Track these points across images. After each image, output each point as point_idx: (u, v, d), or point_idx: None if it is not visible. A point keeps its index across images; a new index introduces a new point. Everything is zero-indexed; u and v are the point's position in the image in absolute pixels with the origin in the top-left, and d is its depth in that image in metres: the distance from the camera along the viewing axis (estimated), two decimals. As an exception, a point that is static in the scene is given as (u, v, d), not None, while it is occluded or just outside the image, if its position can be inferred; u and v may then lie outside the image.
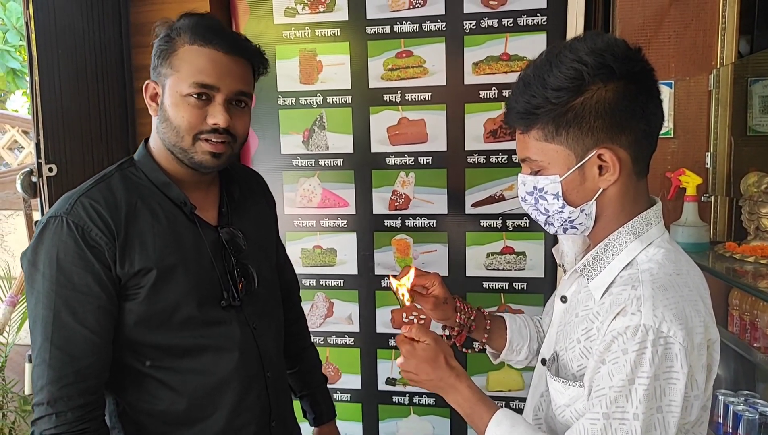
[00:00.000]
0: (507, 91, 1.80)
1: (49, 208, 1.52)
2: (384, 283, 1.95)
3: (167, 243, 1.01)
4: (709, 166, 1.62)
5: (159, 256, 1.00)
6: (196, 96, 0.97)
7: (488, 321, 1.17)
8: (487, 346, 1.20)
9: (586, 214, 0.88)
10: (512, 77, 1.79)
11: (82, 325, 0.94)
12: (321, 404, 1.38)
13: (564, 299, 0.98)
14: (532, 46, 1.77)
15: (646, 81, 0.84)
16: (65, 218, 0.94)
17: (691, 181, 1.53)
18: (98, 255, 0.95)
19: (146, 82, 1.03)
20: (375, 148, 1.91)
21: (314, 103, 1.92)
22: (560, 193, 0.86)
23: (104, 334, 0.97)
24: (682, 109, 1.61)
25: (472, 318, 1.15)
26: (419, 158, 1.89)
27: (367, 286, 1.96)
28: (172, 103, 0.98)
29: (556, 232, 0.93)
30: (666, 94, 1.60)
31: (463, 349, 1.20)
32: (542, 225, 0.93)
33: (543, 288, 1.85)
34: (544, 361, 1.00)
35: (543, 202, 0.88)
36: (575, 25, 1.66)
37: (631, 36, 1.60)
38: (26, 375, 1.73)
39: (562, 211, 0.87)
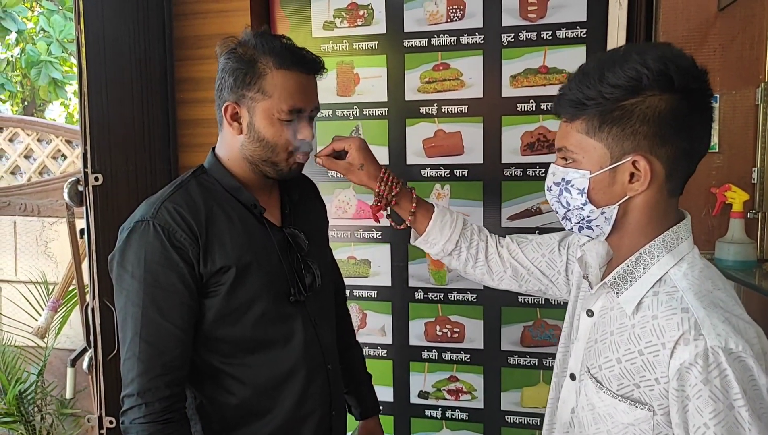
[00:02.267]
0: (545, 103, 1.79)
1: (95, 216, 1.57)
2: (417, 296, 1.94)
3: (242, 242, 1.09)
4: (755, 181, 1.57)
5: (237, 254, 1.07)
6: (289, 119, 1.07)
7: (414, 204, 1.23)
8: (412, 228, 1.27)
9: (605, 218, 0.88)
10: (550, 90, 1.78)
11: (168, 321, 1.01)
12: (367, 398, 1.45)
13: (590, 313, 0.96)
14: (571, 59, 1.75)
15: (702, 102, 0.83)
16: (152, 222, 1.03)
17: (737, 197, 1.48)
18: (183, 255, 1.02)
19: (225, 104, 1.11)
20: (411, 160, 1.91)
21: (350, 115, 1.93)
22: (586, 190, 0.86)
23: (187, 328, 1.04)
24: (728, 124, 1.57)
25: (393, 193, 1.21)
26: (455, 170, 1.88)
27: (400, 297, 1.96)
28: (268, 125, 1.08)
29: (571, 229, 0.93)
30: (711, 108, 1.57)
31: (390, 221, 1.37)
32: (560, 219, 0.94)
33: (580, 303, 1.82)
34: (573, 376, 0.99)
35: (566, 195, 0.89)
36: (616, 38, 1.64)
37: (674, 49, 1.58)
38: (68, 379, 1.77)
39: (582, 208, 0.88)
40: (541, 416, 1.87)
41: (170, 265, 1.02)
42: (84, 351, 1.72)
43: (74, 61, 7.33)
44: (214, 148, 1.21)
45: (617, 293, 0.88)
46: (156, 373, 1.01)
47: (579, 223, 0.90)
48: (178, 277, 1.02)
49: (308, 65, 1.09)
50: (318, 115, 1.97)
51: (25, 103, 7.93)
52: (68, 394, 1.75)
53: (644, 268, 0.86)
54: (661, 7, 1.57)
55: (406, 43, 1.87)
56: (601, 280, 0.95)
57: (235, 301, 1.08)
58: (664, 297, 0.83)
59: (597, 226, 0.89)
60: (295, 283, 1.15)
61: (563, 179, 0.89)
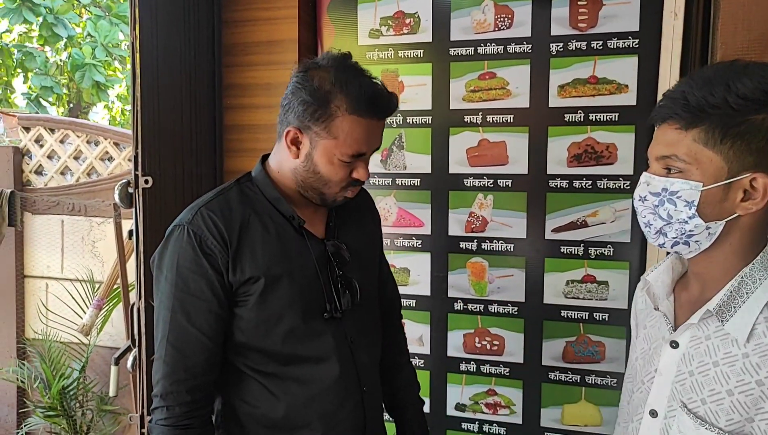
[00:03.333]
0: (594, 114, 1.75)
1: (143, 218, 1.60)
2: (457, 307, 1.92)
3: (275, 253, 1.07)
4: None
5: (267, 265, 1.06)
6: (349, 162, 1.06)
7: None
8: None
9: (709, 233, 0.83)
10: (599, 100, 1.74)
11: (194, 327, 1.02)
12: (412, 423, 1.35)
13: (675, 344, 0.90)
14: (623, 69, 1.71)
15: None
16: (186, 227, 1.04)
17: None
18: (212, 262, 1.02)
19: (288, 128, 1.08)
20: (453, 169, 1.90)
21: (394, 123, 1.93)
22: (696, 202, 0.82)
23: (214, 336, 1.04)
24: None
25: None
26: (498, 181, 1.86)
27: (439, 307, 1.94)
28: (327, 162, 1.06)
29: (662, 244, 0.88)
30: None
31: None
32: (651, 233, 0.89)
33: (626, 320, 1.77)
34: (654, 413, 0.93)
35: (669, 207, 0.84)
36: (671, 48, 1.60)
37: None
38: (111, 377, 1.80)
39: (687, 222, 0.83)
40: (583, 434, 1.84)
41: (200, 271, 1.02)
42: (128, 349, 1.75)
43: (117, 65, 7.58)
44: (264, 157, 1.20)
45: (722, 321, 0.84)
46: (179, 377, 1.01)
47: (677, 237, 0.86)
48: (207, 284, 1.02)
49: (381, 113, 1.06)
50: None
51: (71, 105, 8.21)
52: (111, 392, 1.79)
53: (747, 293, 0.82)
54: (720, 16, 1.52)
55: (452, 51, 1.86)
56: (692, 309, 0.90)
57: (265, 312, 1.06)
58: None
59: (696, 241, 0.85)
60: (332, 299, 1.11)
61: (665, 189, 0.84)
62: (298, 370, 1.08)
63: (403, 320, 1.94)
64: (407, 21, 1.90)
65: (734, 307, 0.83)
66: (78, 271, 3.23)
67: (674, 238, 0.86)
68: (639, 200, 0.88)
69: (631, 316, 1.13)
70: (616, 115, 1.73)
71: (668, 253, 0.96)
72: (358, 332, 1.15)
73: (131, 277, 1.63)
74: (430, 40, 1.88)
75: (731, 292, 0.83)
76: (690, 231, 0.84)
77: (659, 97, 0.90)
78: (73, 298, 3.11)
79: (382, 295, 1.34)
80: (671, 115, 0.83)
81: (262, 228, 1.08)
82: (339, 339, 1.11)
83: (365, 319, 1.19)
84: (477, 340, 1.92)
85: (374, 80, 1.08)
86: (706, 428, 0.82)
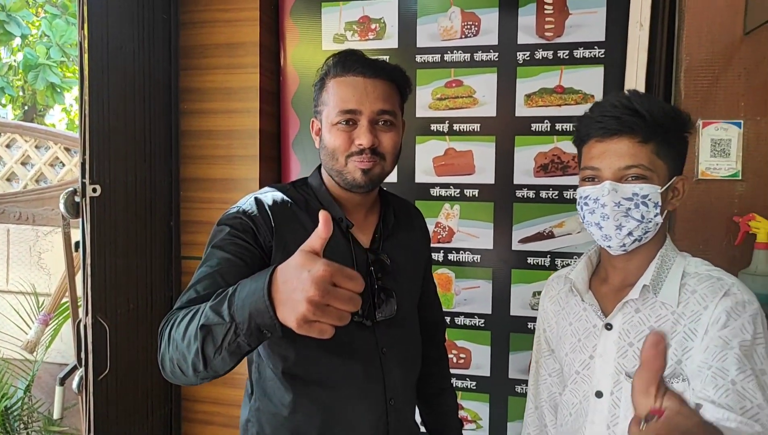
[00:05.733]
0: (560, 124, 1.73)
1: (91, 228, 1.50)
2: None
3: None
4: (780, 211, 1.52)
5: None
6: (344, 122, 1.06)
7: None
8: None
9: (657, 228, 0.99)
10: (566, 110, 1.73)
11: (233, 255, 0.99)
12: None
13: (610, 327, 1.03)
14: (589, 79, 1.71)
15: None
16: (243, 208, 1.06)
17: (762, 227, 1.42)
18: (260, 243, 1.03)
19: (312, 120, 1.16)
20: (420, 178, 1.86)
21: (359, 131, 1.87)
22: (659, 203, 0.96)
23: (249, 263, 1.00)
24: (752, 151, 1.51)
25: None
26: (465, 190, 1.83)
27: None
28: (327, 131, 1.09)
29: (624, 245, 0.99)
30: (735, 134, 1.51)
31: None
32: (620, 235, 0.99)
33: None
34: (600, 393, 1.04)
35: (642, 209, 0.96)
36: (636, 59, 1.59)
37: (697, 73, 1.53)
38: (56, 399, 1.68)
39: (651, 221, 0.97)
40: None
41: (247, 247, 1.01)
42: (74, 369, 1.63)
43: (75, 66, 7.32)
44: (320, 166, 1.19)
45: (656, 292, 0.99)
46: (206, 284, 0.96)
47: (641, 236, 0.99)
48: (251, 260, 1.01)
49: (362, 67, 1.07)
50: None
51: (26, 107, 7.88)
52: (56, 415, 1.66)
53: (667, 269, 1.00)
54: (685, 28, 1.52)
55: (418, 58, 1.82)
56: (621, 292, 1.04)
57: None
58: (694, 280, 0.97)
59: (647, 236, 1.00)
60: (366, 306, 1.09)
61: (636, 194, 0.96)
62: (322, 374, 1.07)
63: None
64: (373, 26, 1.85)
65: (662, 281, 0.99)
66: (23, 284, 3.05)
67: (639, 236, 0.99)
68: (615, 205, 0.97)
69: (540, 321, 1.23)
70: (583, 125, 1.72)
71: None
72: (392, 345, 1.13)
73: (80, 291, 1.52)
74: (396, 47, 1.84)
75: (657, 269, 1.00)
76: (650, 229, 0.98)
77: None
78: (17, 312, 2.93)
79: (427, 317, 1.32)
80: (632, 129, 0.96)
81: (309, 224, 1.09)
82: (369, 347, 1.10)
83: (402, 334, 1.17)
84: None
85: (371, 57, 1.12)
86: None
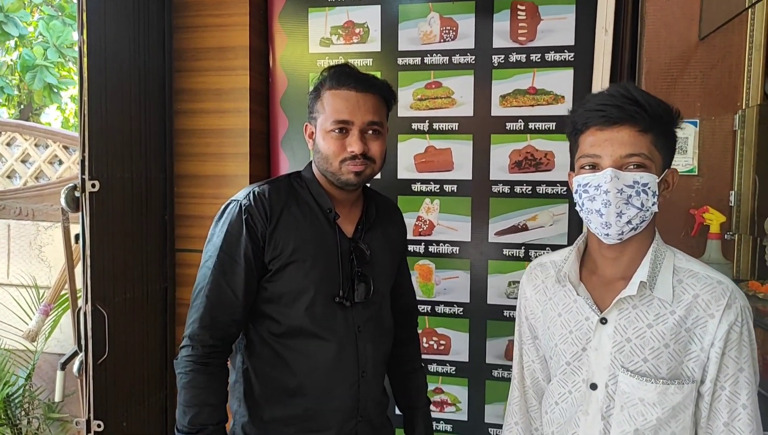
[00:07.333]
0: (533, 123, 1.84)
1: (90, 222, 1.60)
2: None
3: (306, 237, 1.23)
4: (733, 204, 1.63)
5: (296, 246, 1.22)
6: (337, 130, 1.20)
7: None
8: None
9: (652, 218, 1.00)
10: (538, 110, 1.84)
11: (228, 285, 1.19)
12: (420, 423, 1.48)
13: (605, 321, 1.04)
14: (559, 80, 1.81)
15: None
16: (240, 202, 1.22)
17: (714, 219, 1.54)
18: (254, 235, 1.20)
19: (305, 124, 1.30)
20: (402, 174, 1.96)
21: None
22: (656, 192, 0.98)
23: (242, 296, 1.20)
24: (707, 148, 1.62)
25: None
26: (444, 186, 1.93)
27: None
28: (322, 138, 1.23)
29: (620, 232, 0.98)
30: (691, 132, 1.62)
31: None
32: (620, 222, 0.98)
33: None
34: (594, 385, 1.05)
35: (642, 197, 0.97)
36: (602, 63, 1.70)
37: (657, 75, 1.64)
38: (57, 382, 1.78)
39: (652, 208, 0.98)
40: None
41: (243, 241, 1.19)
42: (74, 354, 1.73)
43: (71, 66, 7.38)
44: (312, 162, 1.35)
45: (652, 289, 1.00)
46: (206, 323, 1.18)
47: (639, 224, 0.99)
48: (246, 252, 1.19)
49: (355, 83, 1.21)
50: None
51: (21, 106, 7.94)
52: (57, 397, 1.76)
53: (659, 264, 1.01)
54: (645, 34, 1.63)
55: (399, 61, 1.93)
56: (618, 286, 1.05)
57: (287, 286, 1.22)
58: (691, 279, 1.00)
59: (643, 226, 1.01)
60: (346, 288, 1.25)
61: (637, 182, 0.97)
62: (303, 344, 1.23)
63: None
64: (357, 30, 1.95)
65: (656, 276, 1.01)
66: (24, 277, 3.15)
67: (637, 224, 0.99)
68: (617, 192, 0.96)
69: (522, 309, 1.22)
70: (554, 124, 1.83)
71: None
72: (366, 323, 1.28)
73: (80, 281, 1.62)
74: (379, 50, 1.94)
75: (651, 264, 1.01)
76: (647, 217, 0.99)
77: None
78: (18, 304, 3.03)
79: (400, 301, 1.47)
80: (634, 118, 0.96)
81: (301, 214, 1.25)
82: (347, 324, 1.25)
83: (376, 314, 1.32)
84: (425, 340, 1.98)
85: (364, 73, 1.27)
86: (652, 382, 0.98)
